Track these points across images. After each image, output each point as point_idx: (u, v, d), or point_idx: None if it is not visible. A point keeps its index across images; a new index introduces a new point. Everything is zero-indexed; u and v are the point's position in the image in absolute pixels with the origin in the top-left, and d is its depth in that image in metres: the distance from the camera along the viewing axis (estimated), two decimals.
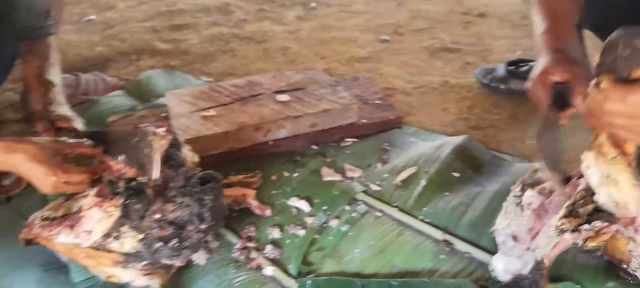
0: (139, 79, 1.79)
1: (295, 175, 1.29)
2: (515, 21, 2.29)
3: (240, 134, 1.33)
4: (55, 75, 1.34)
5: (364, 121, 1.46)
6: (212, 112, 1.39)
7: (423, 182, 1.21)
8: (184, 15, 2.38)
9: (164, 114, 1.49)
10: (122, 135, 1.00)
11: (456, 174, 1.24)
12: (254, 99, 1.45)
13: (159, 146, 0.95)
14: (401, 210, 1.16)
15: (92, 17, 2.40)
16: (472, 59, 1.94)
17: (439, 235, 1.07)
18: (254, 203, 1.17)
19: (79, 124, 1.22)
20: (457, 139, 1.33)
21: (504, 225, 0.98)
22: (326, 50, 2.07)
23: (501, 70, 1.66)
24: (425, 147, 1.36)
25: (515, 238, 0.95)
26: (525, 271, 0.89)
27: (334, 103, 1.42)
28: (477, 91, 1.69)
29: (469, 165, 1.27)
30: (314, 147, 1.40)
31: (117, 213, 0.88)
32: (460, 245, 1.05)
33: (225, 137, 1.32)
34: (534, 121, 1.03)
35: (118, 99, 1.68)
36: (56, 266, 1.09)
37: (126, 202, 0.89)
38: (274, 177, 1.29)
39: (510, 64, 1.67)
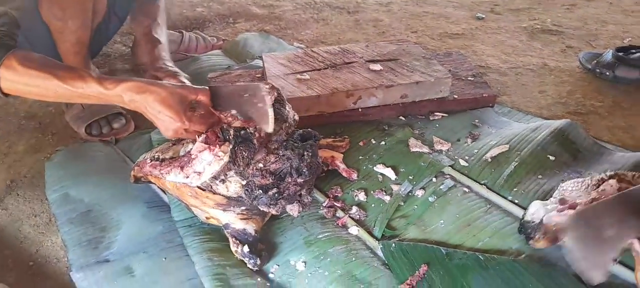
0: (236, 40, 1.88)
1: (382, 143, 1.31)
2: (626, 6, 2.12)
3: (331, 98, 1.36)
4: (162, 34, 1.43)
5: (456, 96, 1.43)
6: (306, 76, 1.43)
7: (515, 162, 1.18)
8: None
9: (258, 74, 1.55)
10: (232, 91, 1.03)
11: (551, 157, 1.19)
12: (347, 66, 1.47)
13: (271, 100, 0.98)
14: (489, 188, 1.14)
15: None
16: (574, 43, 1.83)
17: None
18: (341, 166, 1.21)
19: (184, 79, 1.30)
20: (557, 123, 1.28)
21: (568, 187, 0.99)
22: (418, 25, 2.04)
23: (609, 55, 1.56)
24: (520, 127, 1.32)
25: (562, 201, 0.96)
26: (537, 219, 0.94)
27: (427, 76, 1.40)
28: (579, 76, 1.60)
29: (567, 150, 1.22)
30: (402, 118, 1.41)
31: (226, 158, 0.94)
32: None
33: (317, 100, 1.35)
34: None
35: (216, 58, 1.77)
36: (159, 204, 1.20)
37: (234, 148, 0.95)
38: (361, 143, 1.31)
39: (619, 49, 1.56)
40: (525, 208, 1.07)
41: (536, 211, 0.97)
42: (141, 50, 1.45)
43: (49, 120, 1.51)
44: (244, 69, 1.64)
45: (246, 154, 0.95)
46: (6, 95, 1.00)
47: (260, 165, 0.96)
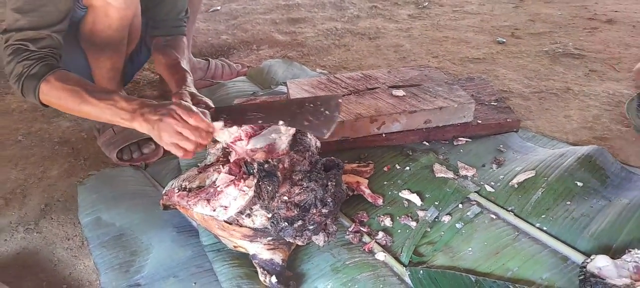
0: (260, 67, 1.92)
1: (407, 168, 1.31)
2: None
3: (356, 124, 1.38)
4: (187, 65, 1.44)
5: (479, 121, 1.44)
6: None
7: (542, 189, 1.17)
8: (301, 9, 2.50)
9: (283, 101, 1.58)
10: (292, 103, 1.09)
11: (579, 184, 1.18)
12: (370, 92, 1.50)
13: (340, 110, 1.04)
14: (517, 215, 1.14)
15: (218, 8, 2.60)
16: (598, 67, 1.82)
17: (559, 246, 1.04)
18: (367, 191, 1.22)
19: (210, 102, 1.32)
20: (584, 149, 1.27)
21: None
22: (438, 49, 2.05)
23: None
24: (546, 153, 1.31)
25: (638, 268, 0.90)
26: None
27: (450, 101, 1.41)
28: (605, 100, 1.59)
29: (595, 176, 1.21)
30: (426, 143, 1.42)
31: (250, 192, 0.97)
32: (581, 259, 1.01)
33: (341, 126, 1.37)
34: None
35: (241, 84, 1.81)
36: (188, 229, 1.22)
37: (259, 183, 0.97)
38: (385, 169, 1.32)
39: None
40: (554, 236, 1.06)
41: (605, 267, 0.92)
42: (169, 81, 1.45)
43: (82, 145, 1.56)
44: (269, 95, 1.68)
45: (271, 188, 0.97)
46: (45, 105, 1.14)
47: (285, 197, 0.98)
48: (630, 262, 0.93)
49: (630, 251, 0.93)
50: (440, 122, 1.42)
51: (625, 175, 1.24)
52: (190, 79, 1.35)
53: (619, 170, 1.25)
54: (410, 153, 1.38)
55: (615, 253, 1.00)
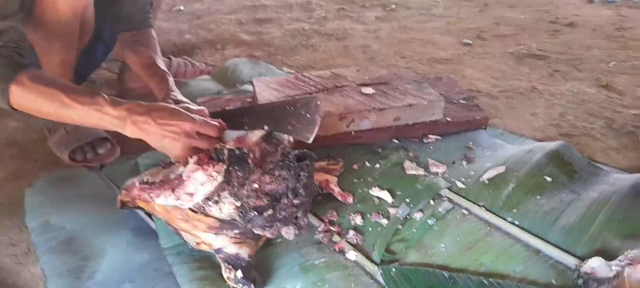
0: (225, 66, 1.86)
1: (377, 166, 1.28)
2: (609, 32, 2.17)
3: (325, 121, 1.33)
4: (163, 65, 1.35)
5: (449, 119, 1.42)
6: None
7: (512, 184, 1.16)
8: (267, 10, 2.46)
9: (249, 99, 1.53)
10: (272, 108, 1.06)
11: (548, 179, 1.18)
12: (339, 90, 1.46)
13: (321, 112, 1.03)
14: (488, 210, 1.12)
15: (181, 7, 2.52)
16: (561, 67, 1.85)
17: (531, 240, 1.02)
18: (336, 190, 1.17)
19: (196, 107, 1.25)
20: (552, 144, 1.27)
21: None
22: (406, 50, 2.05)
23: None
24: (514, 149, 1.31)
25: (632, 262, 0.88)
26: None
27: (420, 99, 1.39)
28: (570, 99, 1.61)
29: (563, 171, 1.21)
30: (396, 141, 1.39)
31: (220, 178, 0.90)
32: (552, 252, 1.00)
33: None
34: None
35: (205, 83, 1.75)
36: (146, 231, 1.15)
37: (229, 168, 0.91)
38: (355, 166, 1.28)
39: None
40: (526, 230, 1.05)
41: (599, 267, 0.90)
42: (147, 81, 1.36)
43: (31, 146, 1.45)
44: (234, 94, 1.62)
45: (241, 174, 0.91)
46: (15, 110, 1.02)
47: (255, 185, 0.92)
48: (623, 260, 0.90)
49: (625, 253, 0.92)
50: (410, 119, 1.40)
51: (593, 170, 1.24)
52: (171, 80, 1.28)
53: (586, 165, 1.25)
54: (380, 151, 1.34)
55: (586, 246, 1.00)
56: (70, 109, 0.96)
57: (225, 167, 0.90)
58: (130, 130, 0.96)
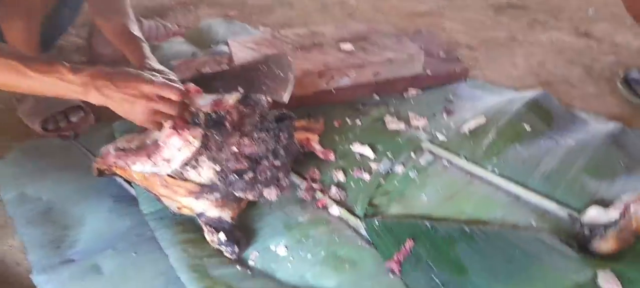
0: (199, 27, 1.80)
1: (358, 122, 1.27)
2: None
3: (303, 80, 1.31)
4: (138, 30, 1.29)
5: (429, 73, 1.41)
6: None
7: (492, 134, 1.17)
8: None
9: (225, 60, 1.49)
10: (245, 69, 1.04)
11: (528, 127, 1.18)
12: (317, 47, 1.43)
13: (294, 70, 0.99)
14: (469, 160, 1.12)
15: None
16: (541, 17, 1.85)
17: (511, 187, 1.04)
18: (317, 147, 1.16)
19: (173, 77, 1.20)
20: (530, 93, 1.28)
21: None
22: (384, 5, 2.01)
23: None
24: (494, 100, 1.31)
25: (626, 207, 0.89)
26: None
27: (399, 53, 1.37)
28: (549, 48, 1.61)
29: (542, 119, 1.22)
30: (376, 96, 1.38)
31: (196, 142, 0.88)
32: (532, 197, 1.02)
33: None
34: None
35: (179, 45, 1.69)
36: (126, 198, 1.13)
37: (206, 133, 0.89)
38: (336, 124, 1.27)
39: None
40: (506, 177, 1.06)
41: (598, 215, 0.90)
42: (122, 49, 1.28)
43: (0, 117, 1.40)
44: (210, 56, 1.57)
45: (219, 138, 0.89)
46: None
47: (234, 148, 0.90)
48: (618, 205, 0.91)
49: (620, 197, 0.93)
50: (390, 74, 1.38)
51: (570, 117, 1.26)
52: (146, 47, 1.22)
53: (564, 113, 1.26)
54: (361, 107, 1.33)
55: (565, 191, 1.02)
56: (29, 80, 0.90)
57: (202, 131, 0.88)
58: (93, 97, 0.91)
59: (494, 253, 0.87)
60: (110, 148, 1.04)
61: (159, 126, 0.94)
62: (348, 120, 1.28)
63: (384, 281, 0.86)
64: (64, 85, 0.90)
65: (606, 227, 0.87)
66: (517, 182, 1.05)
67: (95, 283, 0.92)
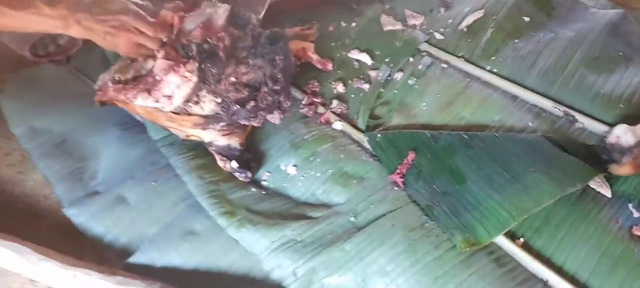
0: None
1: (353, 25, 1.25)
2: None
3: None
4: None
5: None
6: None
7: (491, 29, 1.15)
8: None
9: None
10: None
11: (527, 19, 1.17)
12: None
13: None
14: (467, 60, 1.13)
15: None
16: None
17: (509, 87, 1.06)
18: (314, 57, 1.15)
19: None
20: None
21: None
22: None
23: None
24: None
25: None
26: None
27: None
28: None
29: (541, 8, 1.19)
30: None
31: (194, 78, 0.89)
32: (529, 97, 1.04)
33: None
34: None
35: None
36: (133, 125, 1.15)
37: (201, 66, 0.89)
38: (331, 28, 1.25)
39: None
40: (504, 77, 1.07)
41: (624, 134, 0.88)
42: None
43: None
44: None
45: (215, 71, 0.89)
46: None
47: (232, 79, 0.91)
48: None
49: None
50: None
51: (571, 5, 1.22)
52: None
53: (565, 1, 1.23)
54: (355, 7, 1.30)
55: (561, 86, 1.04)
56: (6, 17, 0.87)
57: (197, 65, 0.88)
58: (75, 31, 0.89)
59: (491, 162, 0.91)
60: (108, 80, 1.04)
61: (147, 57, 0.94)
62: (343, 23, 1.26)
63: (389, 195, 0.92)
64: (41, 19, 0.87)
65: (622, 152, 0.88)
66: (514, 81, 1.07)
67: (124, 214, 0.99)
